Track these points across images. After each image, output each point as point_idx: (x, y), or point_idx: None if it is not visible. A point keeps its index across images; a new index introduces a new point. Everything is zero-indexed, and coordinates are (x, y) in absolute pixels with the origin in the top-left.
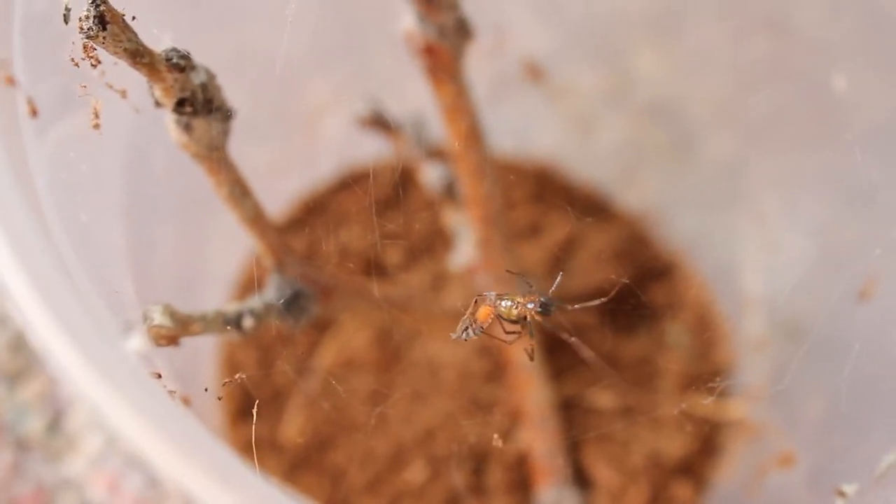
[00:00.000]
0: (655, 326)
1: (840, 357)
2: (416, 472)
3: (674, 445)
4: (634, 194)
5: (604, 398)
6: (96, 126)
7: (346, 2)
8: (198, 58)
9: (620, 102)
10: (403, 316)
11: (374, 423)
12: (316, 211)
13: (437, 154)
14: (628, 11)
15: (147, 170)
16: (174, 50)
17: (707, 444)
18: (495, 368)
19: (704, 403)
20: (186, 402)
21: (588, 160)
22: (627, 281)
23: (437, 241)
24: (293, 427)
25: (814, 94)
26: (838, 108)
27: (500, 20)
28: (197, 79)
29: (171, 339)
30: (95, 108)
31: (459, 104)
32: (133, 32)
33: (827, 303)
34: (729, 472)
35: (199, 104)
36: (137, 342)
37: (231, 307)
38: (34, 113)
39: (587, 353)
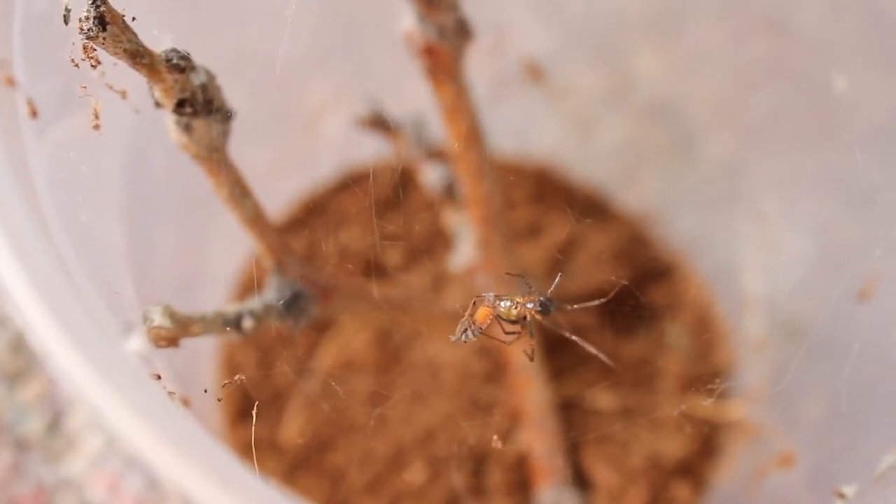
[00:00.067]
0: (655, 327)
1: (840, 358)
2: (415, 473)
3: (673, 446)
4: (634, 194)
5: (603, 399)
6: (96, 127)
7: (346, 2)
8: (198, 58)
9: (620, 102)
10: (403, 317)
11: (374, 424)
12: (316, 211)
13: (437, 154)
14: (628, 11)
15: (147, 170)
16: (174, 51)
17: (706, 444)
18: (495, 369)
19: (704, 404)
20: (186, 403)
21: (588, 160)
22: (627, 282)
23: (437, 242)
24: (293, 428)
25: (814, 94)
26: (838, 108)
27: (500, 20)
28: (197, 79)
29: (170, 341)
30: (95, 109)
31: (459, 105)
32: (133, 33)
33: (827, 303)
34: (728, 473)
35: (199, 105)
36: (137, 343)
37: (231, 308)
38: (34, 113)
39: (589, 347)
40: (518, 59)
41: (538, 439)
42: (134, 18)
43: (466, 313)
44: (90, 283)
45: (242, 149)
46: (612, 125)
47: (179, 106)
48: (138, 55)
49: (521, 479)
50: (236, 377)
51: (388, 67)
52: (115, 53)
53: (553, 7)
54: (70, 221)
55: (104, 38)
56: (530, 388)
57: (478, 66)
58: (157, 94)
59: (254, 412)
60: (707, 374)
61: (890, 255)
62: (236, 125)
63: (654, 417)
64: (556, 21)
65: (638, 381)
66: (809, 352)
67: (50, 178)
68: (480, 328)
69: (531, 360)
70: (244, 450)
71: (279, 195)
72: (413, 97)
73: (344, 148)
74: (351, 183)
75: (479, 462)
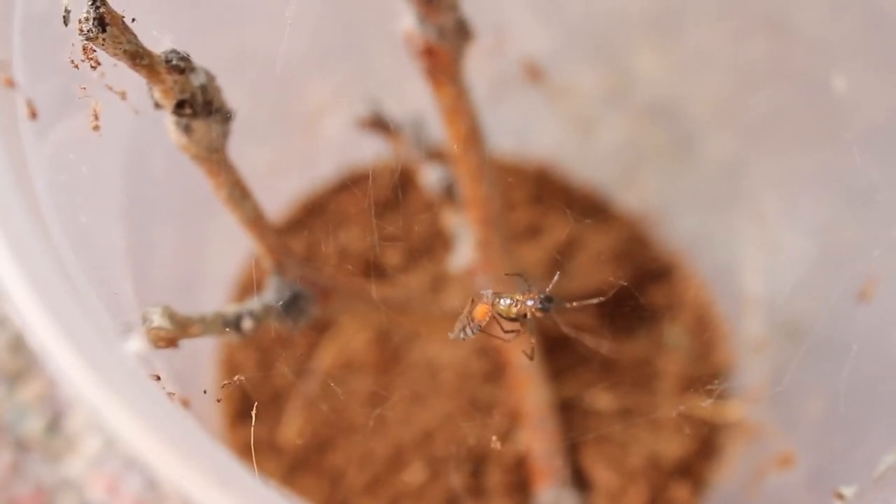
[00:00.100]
0: (655, 328)
1: (840, 358)
2: (415, 474)
3: (673, 447)
4: (634, 195)
5: (603, 399)
6: (96, 128)
7: (347, 2)
8: (198, 59)
9: (620, 102)
10: (402, 318)
11: (374, 425)
12: (315, 212)
13: (436, 155)
14: (628, 11)
15: (147, 171)
16: (174, 52)
17: (706, 445)
18: (494, 369)
19: (703, 405)
20: (185, 403)
21: (588, 160)
22: (626, 283)
23: (436, 243)
24: (292, 428)
25: (814, 94)
26: (838, 108)
27: (499, 20)
28: (196, 80)
29: (169, 341)
30: (95, 110)
31: (459, 106)
32: (132, 34)
33: (826, 303)
34: (728, 474)
35: (199, 106)
36: (136, 344)
37: (230, 309)
38: (34, 115)
39: (591, 342)
40: (518, 59)
41: (537, 439)
42: (133, 19)
43: (465, 311)
44: (90, 284)
45: (242, 149)
46: (612, 125)
47: (179, 107)
48: (138, 56)
49: (521, 480)
50: (235, 378)
51: (388, 68)
52: (115, 54)
53: (553, 7)
54: (70, 222)
55: (104, 39)
56: (530, 389)
57: (478, 66)
58: (157, 95)
59: (253, 413)
60: (707, 375)
61: (890, 255)
62: (236, 125)
63: (653, 418)
64: (556, 21)
65: (637, 381)
66: (809, 352)
67: (49, 179)
68: (479, 326)
69: (531, 358)
70: (244, 450)
71: (279, 196)
72: (413, 98)
73: (344, 148)
74: (350, 184)
75: (478, 462)
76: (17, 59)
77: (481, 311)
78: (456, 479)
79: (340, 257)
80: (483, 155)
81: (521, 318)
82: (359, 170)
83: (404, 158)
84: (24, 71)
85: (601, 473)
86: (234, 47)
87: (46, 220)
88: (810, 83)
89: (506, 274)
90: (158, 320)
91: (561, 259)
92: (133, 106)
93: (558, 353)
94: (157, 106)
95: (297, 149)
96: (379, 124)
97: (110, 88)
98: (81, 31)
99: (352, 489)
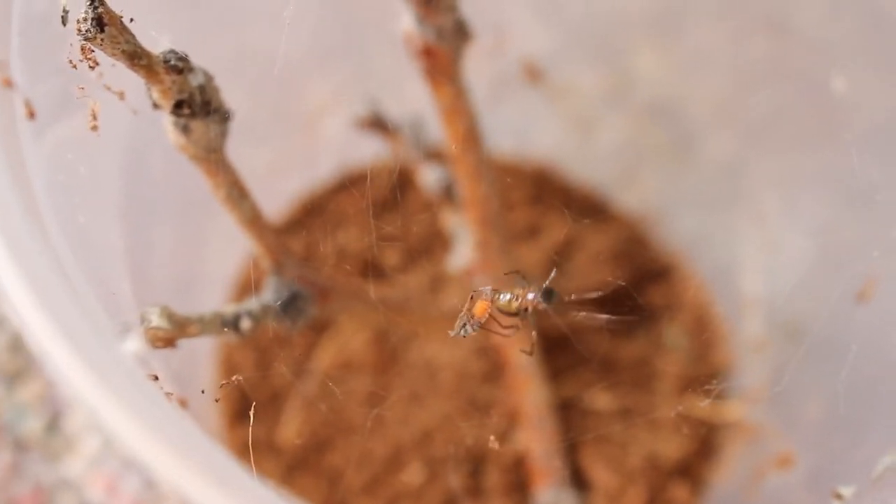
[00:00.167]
0: (654, 328)
1: (839, 358)
2: (413, 474)
3: (672, 447)
4: (634, 195)
5: (602, 399)
6: (94, 128)
7: (346, 2)
8: (197, 59)
9: (620, 103)
10: (401, 318)
11: (372, 425)
12: (314, 212)
13: (435, 156)
14: (628, 11)
15: (145, 171)
16: (172, 52)
17: (705, 445)
18: (493, 369)
19: (703, 405)
20: (183, 404)
21: (588, 160)
22: (624, 283)
23: (435, 243)
24: (291, 428)
25: (814, 95)
26: (838, 108)
27: (499, 20)
28: (195, 80)
29: (168, 341)
30: (93, 110)
31: (458, 106)
32: (131, 34)
33: (826, 304)
34: (727, 474)
35: (197, 106)
36: (134, 344)
37: (229, 309)
38: (32, 115)
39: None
40: (517, 59)
41: (536, 440)
42: (132, 19)
43: (465, 308)
44: (88, 285)
45: (241, 149)
46: (611, 125)
47: (177, 107)
48: (136, 56)
49: (520, 480)
50: (233, 378)
51: (388, 68)
52: (113, 54)
53: (553, 7)
54: (68, 223)
55: (102, 40)
56: (529, 389)
57: (477, 66)
58: (155, 95)
59: (251, 413)
60: (706, 375)
61: (889, 255)
62: (235, 126)
63: (652, 418)
64: (556, 21)
65: (637, 381)
66: (808, 352)
67: (48, 179)
68: (479, 322)
69: (530, 354)
70: (242, 450)
71: (278, 196)
72: (413, 98)
73: (343, 149)
74: (349, 184)
75: (477, 462)
76: (16, 59)
77: (481, 308)
78: (454, 480)
79: (339, 257)
80: (482, 155)
81: (521, 313)
82: (357, 170)
83: (403, 158)
84: (23, 71)
85: (600, 473)
86: (234, 47)
87: (44, 220)
88: (810, 83)
89: (505, 273)
90: (157, 320)
91: (559, 259)
92: (131, 106)
93: (557, 353)
94: (156, 106)
95: (296, 149)
96: (378, 124)
97: (109, 88)
98: (80, 31)
99: (350, 489)
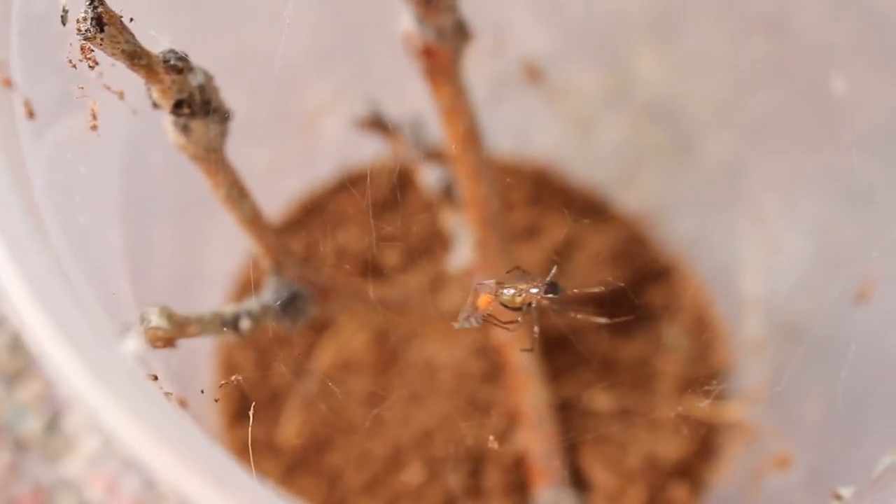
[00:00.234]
0: (653, 328)
1: (838, 359)
2: (413, 474)
3: (671, 447)
4: (634, 195)
5: (601, 400)
6: (94, 127)
7: (346, 2)
8: (197, 59)
9: (620, 103)
10: (400, 318)
11: (372, 425)
12: (314, 212)
13: (435, 156)
14: (628, 11)
15: (145, 171)
16: (172, 51)
17: (704, 446)
18: (493, 369)
19: (702, 406)
20: (183, 404)
21: (587, 161)
22: (623, 284)
23: (435, 243)
24: (290, 429)
25: (813, 95)
26: (838, 108)
27: (499, 20)
28: (195, 80)
29: (167, 341)
30: (93, 110)
31: (458, 106)
32: (131, 34)
33: (825, 304)
34: (726, 474)
35: (197, 106)
36: (134, 344)
37: (228, 309)
38: (31, 114)
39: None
40: (517, 59)
41: (536, 440)
42: (132, 19)
43: (468, 301)
44: (87, 284)
45: (241, 149)
46: (611, 125)
47: (177, 107)
48: (136, 56)
49: (519, 480)
50: (233, 378)
51: (388, 68)
52: (113, 54)
53: (553, 7)
54: (67, 222)
55: (102, 39)
56: (528, 389)
57: (477, 66)
58: (155, 94)
59: (251, 413)
60: (705, 375)
61: (889, 255)
62: (235, 126)
63: (652, 418)
64: (556, 21)
65: (636, 382)
66: (808, 353)
67: (47, 179)
68: (483, 315)
69: (531, 350)
70: (242, 450)
71: (278, 196)
72: (413, 98)
73: (342, 149)
74: (349, 184)
75: (476, 463)
76: (15, 58)
77: (485, 301)
78: (453, 480)
79: (339, 257)
80: (481, 155)
81: (525, 307)
82: (357, 170)
83: (403, 159)
84: (22, 71)
85: (600, 474)
86: (234, 47)
87: (44, 220)
88: (810, 84)
89: (506, 272)
90: (156, 320)
91: (559, 260)
92: (131, 106)
93: (557, 353)
94: (156, 106)
95: (295, 149)
96: (378, 124)
97: (108, 88)
98: (79, 30)
99: (350, 489)
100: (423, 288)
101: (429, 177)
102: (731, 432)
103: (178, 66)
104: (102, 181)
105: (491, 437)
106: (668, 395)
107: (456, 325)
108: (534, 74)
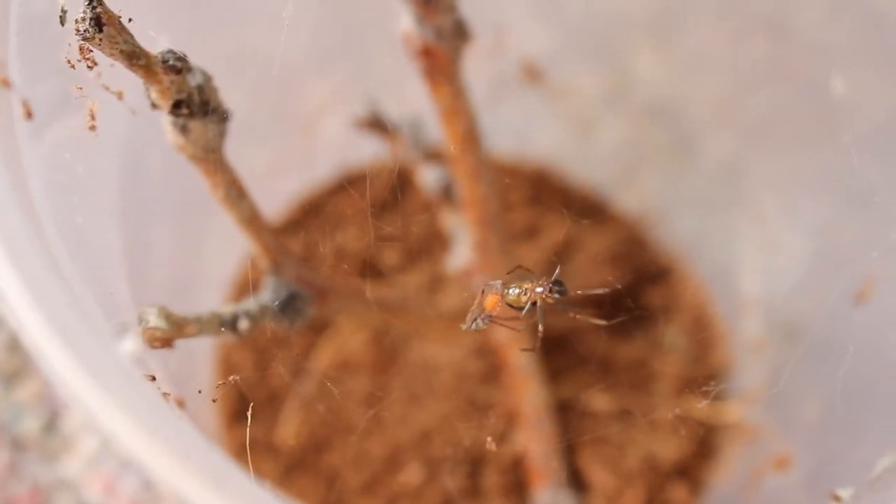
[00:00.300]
0: (652, 329)
1: (837, 359)
2: (411, 474)
3: (670, 448)
4: (633, 195)
5: (600, 401)
6: (92, 128)
7: (346, 2)
8: (197, 59)
9: (620, 103)
10: (399, 318)
11: (370, 425)
12: (313, 212)
13: (434, 156)
14: (628, 11)
15: (143, 171)
16: (170, 52)
17: (703, 446)
18: (492, 370)
19: (701, 406)
20: (181, 404)
21: (587, 161)
22: (620, 286)
23: (434, 244)
24: (289, 429)
25: (813, 95)
26: (838, 109)
27: (499, 20)
28: (193, 81)
29: (165, 342)
30: (92, 110)
31: (457, 106)
32: (129, 34)
33: (824, 304)
34: (725, 475)
35: (196, 106)
36: (131, 344)
37: (226, 309)
38: (29, 115)
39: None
40: (517, 59)
41: (535, 440)
42: (130, 19)
43: (475, 302)
44: (85, 285)
45: (240, 149)
46: (611, 126)
47: (176, 107)
48: (134, 56)
49: (518, 481)
50: (230, 378)
51: (387, 68)
52: (112, 54)
53: (552, 7)
54: (65, 223)
55: (100, 40)
56: (527, 389)
57: (477, 66)
58: (154, 95)
59: (248, 413)
60: (704, 376)
61: (888, 256)
62: (234, 126)
63: (650, 419)
64: (556, 21)
65: (635, 382)
66: (807, 353)
67: (46, 179)
68: (490, 316)
69: (533, 350)
70: (240, 450)
71: (276, 196)
72: (413, 98)
73: (342, 149)
74: (348, 185)
75: (475, 463)
76: (13, 59)
77: (491, 302)
78: (450, 482)
79: (338, 258)
80: (481, 155)
81: (531, 306)
82: (357, 170)
83: (402, 159)
84: (21, 71)
85: (598, 475)
86: (234, 48)
87: (42, 221)
88: (810, 84)
89: (508, 272)
90: (154, 320)
91: (558, 260)
92: (130, 106)
93: (556, 354)
94: (154, 106)
95: (294, 149)
96: (377, 125)
97: (107, 88)
98: (78, 31)
99: (349, 489)
100: (422, 288)
101: (428, 177)
102: (729, 433)
103: (177, 66)
104: (101, 181)
105: (489, 439)
106: (667, 396)
107: (464, 327)
108: (533, 74)
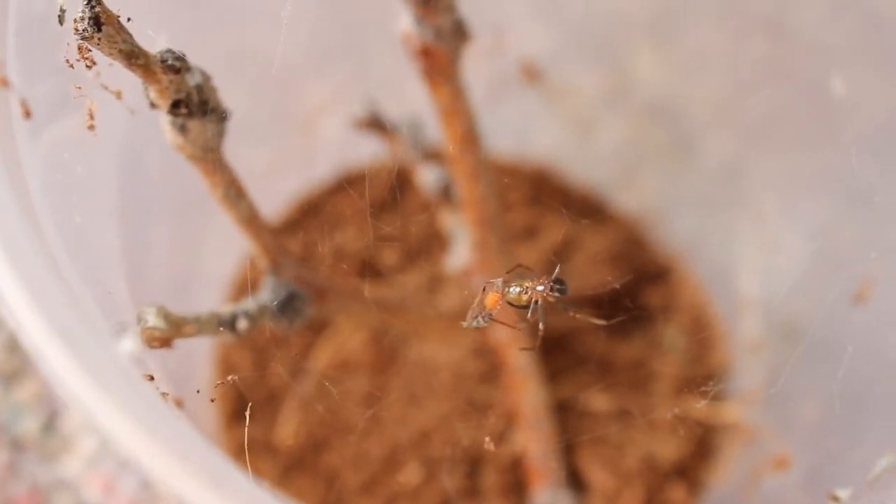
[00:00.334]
0: (651, 329)
1: (836, 359)
2: (410, 474)
3: (668, 448)
4: (633, 195)
5: (599, 401)
6: (91, 127)
7: (345, 2)
8: (196, 59)
9: (619, 103)
10: (398, 318)
11: (369, 425)
12: (312, 212)
13: (433, 156)
14: (628, 12)
15: (142, 171)
16: (169, 51)
17: (702, 446)
18: (491, 370)
19: (699, 406)
20: (179, 404)
21: (587, 161)
22: (618, 286)
23: (433, 244)
24: (288, 429)
25: (813, 96)
26: (837, 109)
27: (498, 20)
28: (192, 80)
29: (164, 341)
30: (90, 110)
31: (456, 106)
32: (128, 34)
33: (823, 305)
34: (724, 475)
35: (195, 106)
36: (130, 344)
37: (225, 309)
38: (28, 114)
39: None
40: (517, 59)
41: (534, 440)
42: (129, 19)
43: (476, 300)
44: (84, 285)
45: (239, 149)
46: (611, 126)
47: (174, 107)
48: (133, 56)
49: (517, 481)
50: (228, 378)
51: (387, 68)
52: (111, 54)
53: (552, 7)
54: (64, 222)
55: (99, 39)
56: (526, 389)
57: (476, 66)
58: (153, 94)
59: (247, 413)
60: (702, 376)
61: (887, 256)
62: (233, 125)
63: (649, 419)
64: (556, 21)
65: (633, 382)
66: (805, 353)
67: (44, 179)
68: (490, 314)
69: (533, 348)
70: (239, 450)
71: (275, 196)
72: (411, 98)
73: (341, 149)
74: (347, 185)
75: (474, 463)
76: (12, 58)
77: (492, 300)
78: (448, 482)
79: (337, 257)
80: (480, 155)
81: (532, 305)
82: (356, 170)
83: (401, 159)
84: (19, 70)
85: (597, 475)
86: (233, 47)
87: (41, 220)
88: (809, 84)
89: (507, 271)
90: (153, 320)
91: (557, 261)
92: (129, 105)
93: (555, 354)
94: (153, 106)
95: (294, 149)
96: (376, 125)
97: (106, 88)
98: (77, 30)
99: (347, 489)
100: (421, 288)
101: (427, 177)
102: (728, 433)
103: (176, 65)
104: (100, 181)
105: (487, 439)
106: (666, 396)
107: (464, 325)
108: (533, 74)
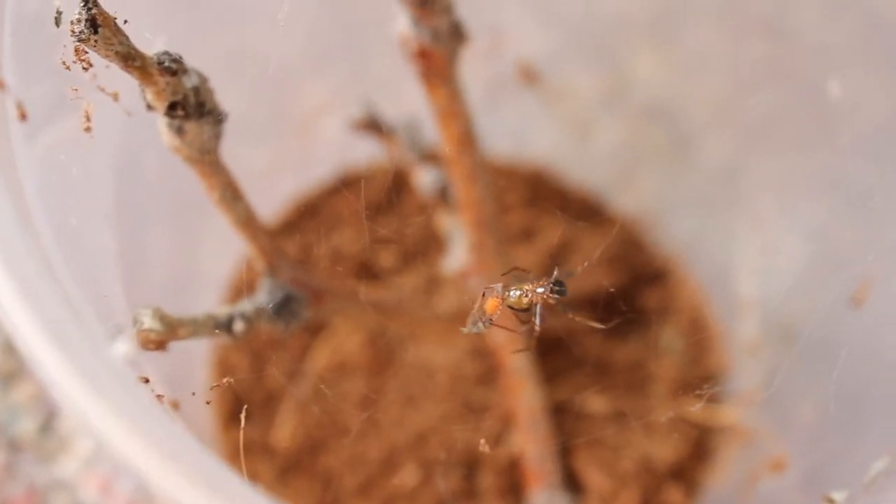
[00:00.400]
0: (648, 331)
1: (833, 361)
2: (407, 476)
3: (666, 450)
4: (631, 197)
5: (596, 403)
6: (87, 129)
7: (342, 4)
8: (194, 60)
9: (617, 104)
10: (395, 320)
11: (366, 427)
12: (309, 214)
13: (430, 158)
14: (626, 13)
15: (139, 173)
16: (166, 53)
17: (699, 448)
18: (488, 372)
19: (696, 408)
20: (175, 406)
21: (584, 163)
22: (614, 290)
23: (430, 245)
24: (285, 431)
25: (812, 97)
26: (836, 110)
27: (495, 22)
28: (189, 82)
29: (159, 344)
30: (87, 112)
31: (453, 108)
32: (125, 36)
33: (821, 306)
34: (721, 477)
35: (191, 108)
36: (125, 346)
37: (222, 311)
38: (23, 116)
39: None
40: (514, 61)
41: (530, 442)
42: (126, 21)
43: (476, 305)
44: (79, 287)
45: (236, 151)
46: (608, 127)
47: (171, 108)
48: (130, 58)
49: (513, 482)
50: (224, 380)
51: (384, 70)
52: (107, 56)
53: (550, 8)
54: (60, 224)
55: (95, 41)
56: (523, 391)
57: (473, 68)
58: (149, 96)
59: (242, 415)
60: (700, 378)
61: (885, 258)
62: (231, 127)
63: (646, 421)
64: (553, 23)
65: (631, 384)
66: (803, 355)
67: (40, 181)
68: (491, 319)
69: (528, 349)
70: (236, 453)
71: (272, 197)
72: (408, 100)
73: (338, 150)
74: (344, 186)
75: (471, 465)
76: (8, 60)
77: (492, 304)
78: (443, 484)
79: (333, 259)
80: (477, 157)
81: (532, 308)
82: (353, 172)
83: (398, 161)
84: (15, 72)
85: (594, 477)
86: (230, 49)
87: (36, 223)
88: (808, 85)
89: (502, 274)
90: (149, 322)
91: (555, 262)
92: (125, 107)
93: (552, 356)
94: (150, 107)
95: (291, 150)
96: (373, 126)
97: (102, 90)
98: (73, 32)
99: (344, 491)
100: (417, 290)
101: (424, 179)
102: (725, 435)
103: (173, 67)
104: (96, 183)
105: (482, 441)
106: (663, 398)
107: (464, 330)
108: (530, 76)
